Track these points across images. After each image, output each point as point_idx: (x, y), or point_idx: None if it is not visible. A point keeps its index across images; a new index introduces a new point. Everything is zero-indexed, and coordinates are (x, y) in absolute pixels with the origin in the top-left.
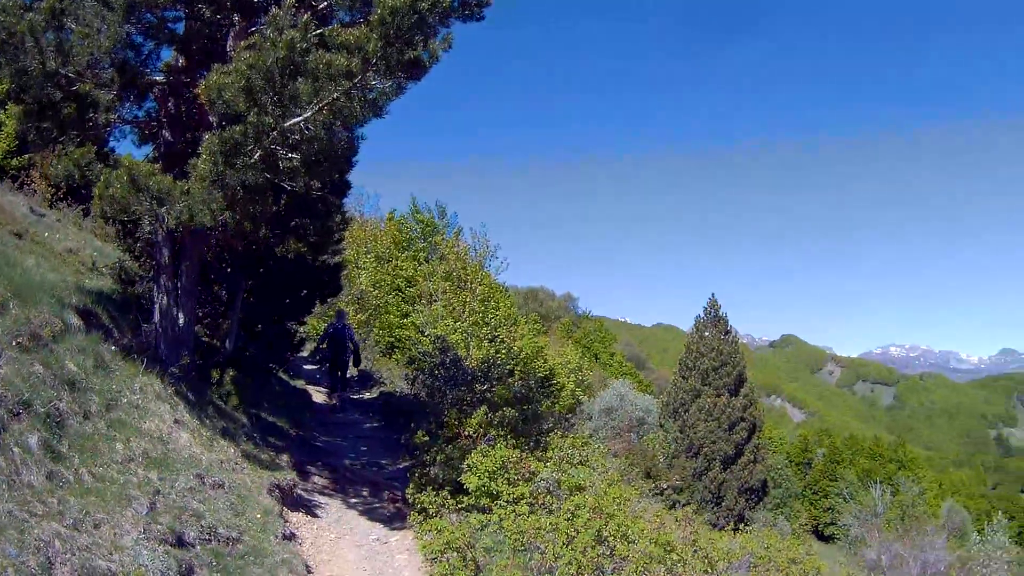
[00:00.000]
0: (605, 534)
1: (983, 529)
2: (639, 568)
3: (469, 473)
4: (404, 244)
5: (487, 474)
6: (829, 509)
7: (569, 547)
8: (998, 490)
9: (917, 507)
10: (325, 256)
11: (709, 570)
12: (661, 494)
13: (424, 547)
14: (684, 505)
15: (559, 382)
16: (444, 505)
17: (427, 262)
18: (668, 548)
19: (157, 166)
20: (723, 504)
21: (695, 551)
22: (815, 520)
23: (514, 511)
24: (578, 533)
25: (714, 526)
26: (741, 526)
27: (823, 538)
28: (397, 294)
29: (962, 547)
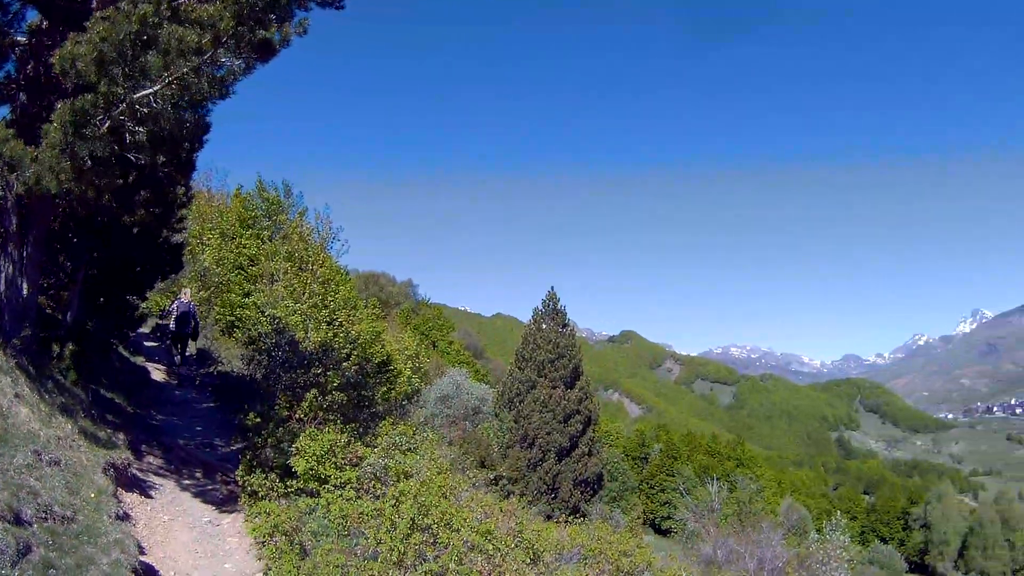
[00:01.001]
0: (428, 521)
1: (823, 528)
2: (458, 556)
3: (298, 456)
4: (249, 222)
5: (315, 458)
6: (666, 503)
7: (391, 533)
8: (839, 490)
9: (755, 504)
10: (168, 232)
11: (533, 561)
12: (495, 483)
13: (253, 530)
14: (519, 496)
15: (396, 368)
16: (273, 488)
17: (271, 241)
18: (490, 537)
19: (11, 131)
20: (558, 496)
21: (518, 542)
22: (652, 514)
23: (341, 496)
24: (402, 520)
25: (548, 518)
26: (575, 518)
27: (660, 532)
28: (240, 272)
29: (801, 544)
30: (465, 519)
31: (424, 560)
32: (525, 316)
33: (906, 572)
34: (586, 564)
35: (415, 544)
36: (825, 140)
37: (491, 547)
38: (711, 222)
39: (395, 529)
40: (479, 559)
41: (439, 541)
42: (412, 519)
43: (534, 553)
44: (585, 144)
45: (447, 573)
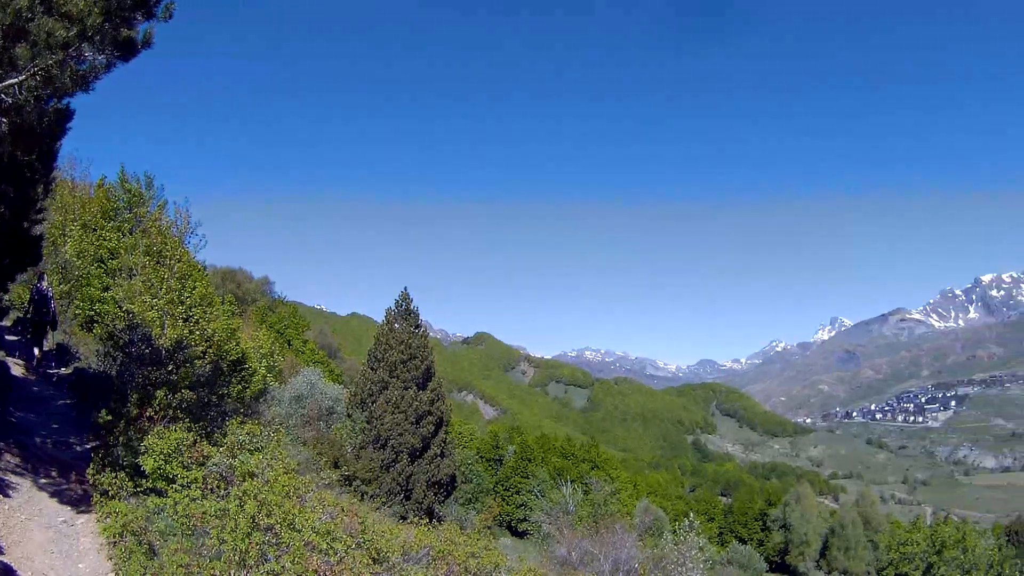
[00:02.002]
0: (270, 521)
1: (676, 529)
2: (298, 557)
3: (146, 455)
4: (111, 214)
5: (163, 457)
6: (522, 506)
7: (233, 533)
8: (697, 492)
9: (610, 505)
10: (28, 223)
11: (376, 561)
12: (349, 484)
13: (104, 530)
14: (372, 497)
15: (251, 366)
16: (123, 487)
17: (131, 234)
18: (329, 538)
19: None
20: (412, 497)
21: (359, 542)
22: (508, 516)
23: (187, 495)
24: (244, 519)
25: (403, 519)
26: (428, 520)
27: (517, 534)
28: (100, 266)
29: (656, 546)
30: (308, 519)
31: (266, 560)
32: (380, 316)
33: (767, 572)
34: (434, 565)
35: (257, 544)
36: (676, 147)
37: (329, 547)
38: (565, 225)
39: (237, 529)
40: (316, 559)
41: (282, 541)
42: (253, 518)
43: (377, 553)
44: (437, 142)
45: (284, 573)
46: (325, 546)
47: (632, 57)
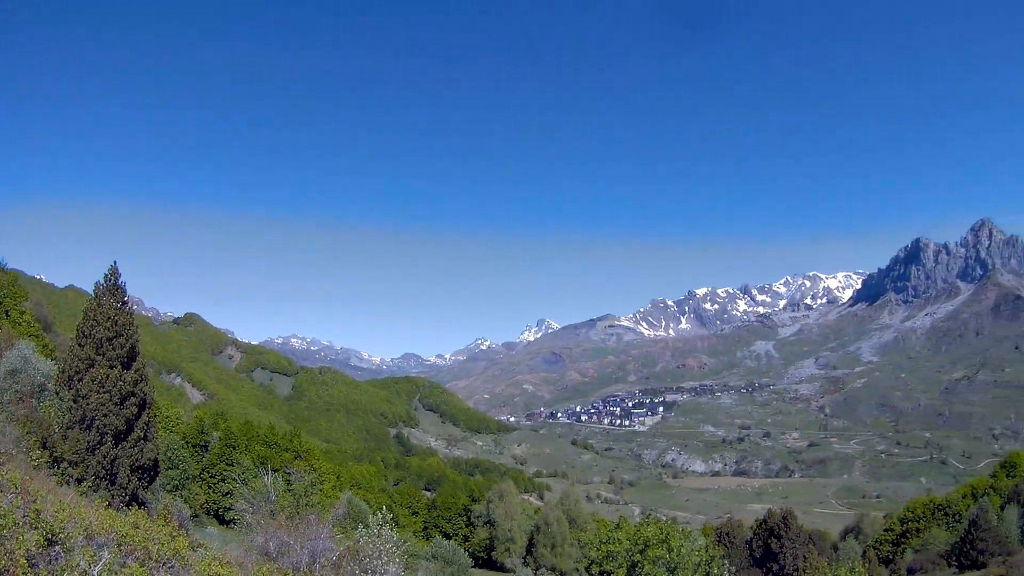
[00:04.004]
0: None
1: (370, 522)
2: None
3: None
4: None
5: None
6: (227, 494)
7: None
8: (400, 486)
9: (312, 496)
10: None
11: (50, 543)
12: (57, 466)
13: None
14: (79, 480)
15: None
16: None
17: None
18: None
19: None
20: (116, 482)
21: (27, 521)
22: (215, 504)
23: None
24: None
25: (109, 505)
26: (132, 506)
27: (224, 522)
28: None
29: (352, 538)
30: None
31: None
32: None
33: (474, 567)
34: (120, 549)
35: None
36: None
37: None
38: (277, 214)
39: None
40: None
41: None
42: None
43: (51, 534)
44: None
45: None
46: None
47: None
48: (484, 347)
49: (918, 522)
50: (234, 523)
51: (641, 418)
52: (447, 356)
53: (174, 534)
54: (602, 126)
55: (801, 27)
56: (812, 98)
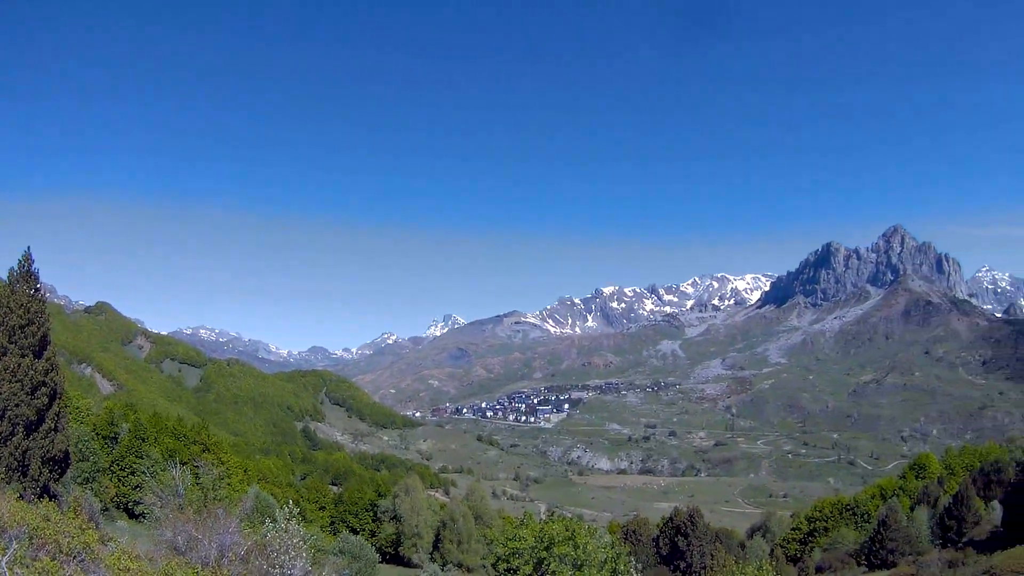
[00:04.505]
0: None
1: (277, 516)
2: None
3: None
4: None
5: None
6: (137, 487)
7: None
8: (307, 480)
9: (220, 491)
10: None
11: None
12: None
13: None
14: None
15: None
16: None
17: None
18: None
19: None
20: (28, 474)
21: None
22: (125, 497)
23: None
24: None
25: (20, 497)
26: (44, 499)
27: (134, 516)
28: None
29: (259, 532)
30: None
31: None
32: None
33: (381, 563)
34: (31, 542)
35: None
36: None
37: None
38: (187, 201)
39: None
40: None
41: None
42: None
43: None
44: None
45: None
46: None
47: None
48: (391, 341)
49: (826, 521)
50: (144, 517)
51: (547, 415)
52: (354, 350)
53: (84, 527)
54: (512, 123)
55: (714, 29)
56: (723, 100)
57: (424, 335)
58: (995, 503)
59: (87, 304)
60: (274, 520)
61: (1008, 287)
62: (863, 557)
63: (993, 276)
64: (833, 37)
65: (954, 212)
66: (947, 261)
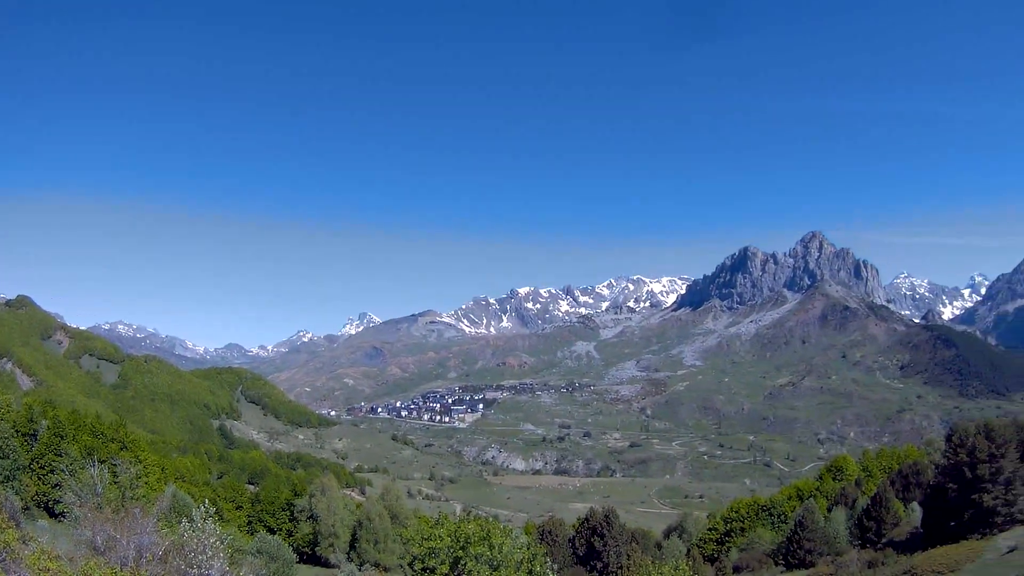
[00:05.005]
0: None
1: (193, 516)
2: None
3: None
4: None
5: None
6: (57, 485)
7: None
8: (224, 479)
9: (138, 489)
10: None
11: None
12: None
13: None
14: None
15: None
16: None
17: None
18: None
19: None
20: None
21: None
22: (45, 496)
23: None
24: None
25: None
26: None
27: (54, 515)
28: None
29: (176, 532)
30: None
31: None
32: None
33: (299, 562)
34: None
35: None
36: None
37: None
38: (107, 196)
39: None
40: None
41: None
42: None
43: None
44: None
45: None
46: None
47: None
48: (306, 339)
49: (742, 522)
50: (64, 516)
51: (461, 415)
52: (270, 348)
53: (4, 527)
54: (428, 122)
55: (627, 33)
56: (645, 103)
57: (339, 333)
58: (915, 505)
59: (7, 297)
60: (191, 520)
61: (927, 293)
62: (781, 557)
63: (912, 283)
64: (753, 44)
65: (874, 220)
66: (865, 267)
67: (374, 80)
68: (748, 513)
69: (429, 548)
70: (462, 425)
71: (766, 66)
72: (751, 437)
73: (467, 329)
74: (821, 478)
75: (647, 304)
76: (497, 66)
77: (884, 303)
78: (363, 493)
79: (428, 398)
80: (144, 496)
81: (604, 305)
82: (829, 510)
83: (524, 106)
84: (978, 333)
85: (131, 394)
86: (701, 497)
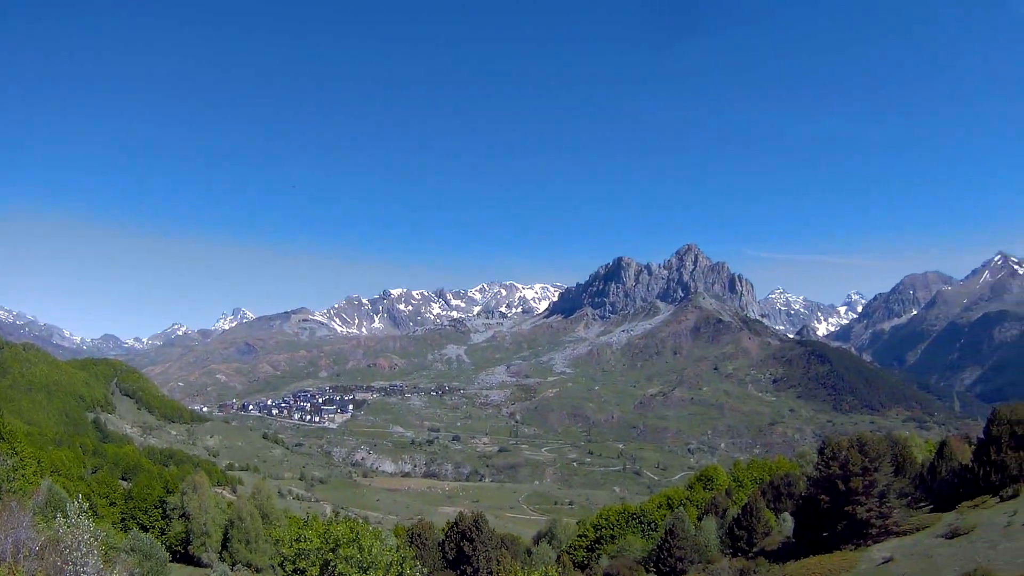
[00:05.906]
0: None
1: (66, 512)
2: None
3: None
4: None
5: None
6: None
7: None
8: (98, 474)
9: (14, 482)
10: None
11: None
12: None
13: None
14: None
15: None
16: None
17: None
18: None
19: None
20: None
21: None
22: None
23: None
24: None
25: None
26: None
27: None
28: None
29: (51, 528)
30: None
31: None
32: None
33: (172, 561)
34: None
35: None
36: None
37: None
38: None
39: None
40: None
41: None
42: None
43: None
44: None
45: None
46: None
47: None
48: (180, 333)
49: (612, 529)
50: None
51: (331, 415)
52: (145, 340)
53: None
54: (307, 121)
55: (524, 33)
56: (518, 106)
57: (213, 328)
58: (786, 515)
59: None
60: (66, 515)
61: (802, 310)
62: (651, 565)
63: (787, 299)
64: (629, 59)
65: (751, 235)
66: (740, 282)
67: (254, 77)
68: (618, 520)
69: (299, 549)
70: (332, 425)
71: (646, 78)
72: (621, 445)
73: (339, 328)
74: (692, 487)
75: (519, 310)
76: (357, 65)
77: (758, 317)
78: (234, 492)
79: (299, 397)
80: (20, 489)
81: (476, 309)
82: (700, 519)
83: (406, 108)
84: (853, 350)
85: (9, 383)
86: (571, 504)
